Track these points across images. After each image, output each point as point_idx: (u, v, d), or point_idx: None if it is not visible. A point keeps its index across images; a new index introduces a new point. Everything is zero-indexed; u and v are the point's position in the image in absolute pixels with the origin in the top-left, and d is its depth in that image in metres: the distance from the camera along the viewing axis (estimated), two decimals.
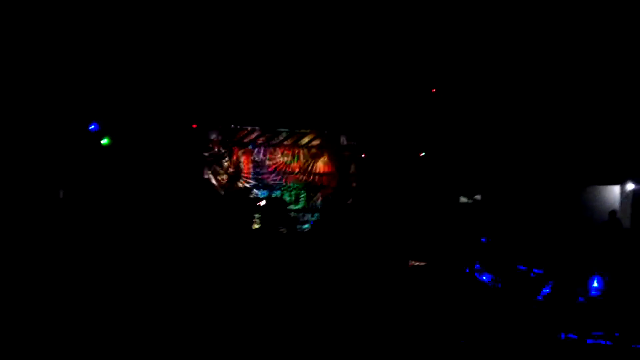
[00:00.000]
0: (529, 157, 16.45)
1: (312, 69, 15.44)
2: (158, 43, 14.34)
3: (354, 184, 17.56)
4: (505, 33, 14.56)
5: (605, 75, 15.28)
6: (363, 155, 17.44)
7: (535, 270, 10.81)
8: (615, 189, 17.19)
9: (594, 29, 14.42)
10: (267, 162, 17.04)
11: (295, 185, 17.24)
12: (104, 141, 14.60)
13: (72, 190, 14.19)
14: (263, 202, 16.27)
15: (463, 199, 16.90)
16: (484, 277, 11.26)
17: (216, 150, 16.44)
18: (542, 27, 14.14)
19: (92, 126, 14.33)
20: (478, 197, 16.80)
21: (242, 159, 16.74)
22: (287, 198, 16.99)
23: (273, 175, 17.05)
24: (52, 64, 13.43)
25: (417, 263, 12.84)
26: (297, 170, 17.28)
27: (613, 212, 14.86)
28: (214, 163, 16.36)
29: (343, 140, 17.60)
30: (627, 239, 14.52)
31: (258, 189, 16.77)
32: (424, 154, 16.96)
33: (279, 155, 17.14)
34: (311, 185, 17.37)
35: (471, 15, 14.05)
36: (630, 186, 16.81)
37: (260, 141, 16.96)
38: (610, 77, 15.30)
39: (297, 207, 17.07)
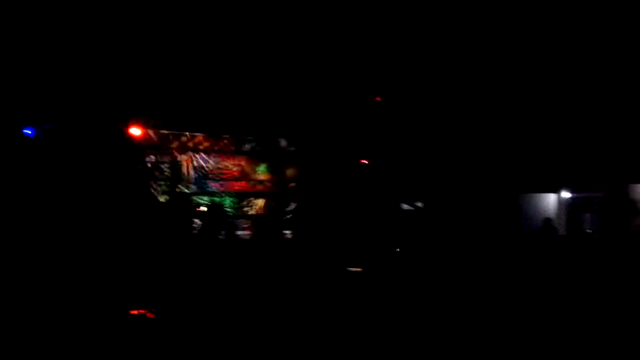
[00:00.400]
0: (470, 165, 16.71)
1: (253, 76, 15.34)
2: (96, 47, 14.02)
3: (295, 190, 17.46)
4: (443, 41, 14.80)
5: (541, 88, 15.69)
6: (305, 162, 17.38)
7: None
8: (552, 197, 17.65)
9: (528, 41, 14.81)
10: (208, 168, 16.76)
11: (236, 191, 17.03)
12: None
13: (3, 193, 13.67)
14: (203, 208, 16.00)
15: (405, 206, 17.03)
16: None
17: (156, 155, 16.05)
18: (477, 36, 14.43)
19: (28, 130, 13.86)
20: (419, 204, 16.97)
21: (183, 164, 16.42)
22: (227, 204, 16.76)
23: (214, 181, 16.79)
24: None
25: (354, 269, 12.85)
26: (238, 176, 17.07)
27: (548, 220, 15.23)
28: (154, 168, 15.97)
29: (284, 146, 17.50)
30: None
31: (198, 195, 16.47)
32: (366, 160, 17.03)
33: (221, 161, 16.91)
34: (252, 192, 17.20)
35: (411, 23, 14.22)
36: (565, 194, 17.28)
37: (201, 147, 16.68)
38: (546, 89, 15.71)
39: (237, 214, 16.83)
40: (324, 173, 17.03)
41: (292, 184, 17.58)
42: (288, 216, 17.05)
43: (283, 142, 17.52)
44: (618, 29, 14.23)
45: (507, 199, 16.69)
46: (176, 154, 16.31)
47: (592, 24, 14.41)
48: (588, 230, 17.07)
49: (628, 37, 14.25)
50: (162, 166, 16.06)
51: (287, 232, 16.31)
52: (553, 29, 14.42)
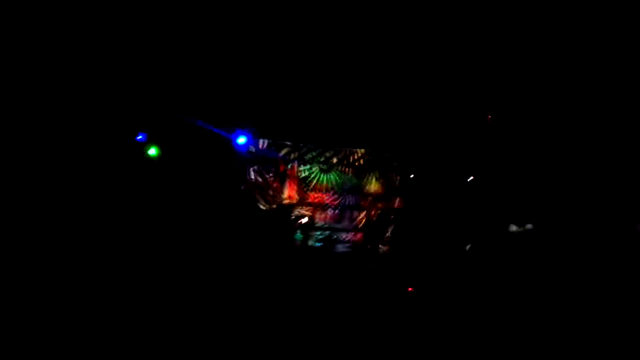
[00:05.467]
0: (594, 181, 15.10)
1: (358, 86, 15.14)
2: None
3: (399, 206, 16.98)
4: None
5: None
6: (412, 177, 16.89)
7: None
8: None
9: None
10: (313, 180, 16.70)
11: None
12: (152, 152, 14.71)
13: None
14: (305, 220, 16.06)
15: (513, 228, 15.98)
16: None
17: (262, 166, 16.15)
18: None
19: (140, 136, 14.42)
20: (530, 226, 15.82)
21: (288, 175, 16.49)
22: None
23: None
24: None
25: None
26: None
27: None
28: (260, 178, 16.15)
29: (389, 159, 17.02)
30: None
31: (301, 206, 16.48)
32: (472, 178, 16.23)
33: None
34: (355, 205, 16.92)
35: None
36: None
37: (306, 158, 16.64)
38: None
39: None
40: (428, 188, 16.48)
41: (396, 199, 17.10)
42: (389, 231, 16.64)
43: (388, 155, 17.04)
44: None
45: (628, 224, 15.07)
46: (282, 164, 16.44)
47: None
48: None
49: None
50: (267, 176, 16.21)
51: (383, 247, 16.03)
52: None
